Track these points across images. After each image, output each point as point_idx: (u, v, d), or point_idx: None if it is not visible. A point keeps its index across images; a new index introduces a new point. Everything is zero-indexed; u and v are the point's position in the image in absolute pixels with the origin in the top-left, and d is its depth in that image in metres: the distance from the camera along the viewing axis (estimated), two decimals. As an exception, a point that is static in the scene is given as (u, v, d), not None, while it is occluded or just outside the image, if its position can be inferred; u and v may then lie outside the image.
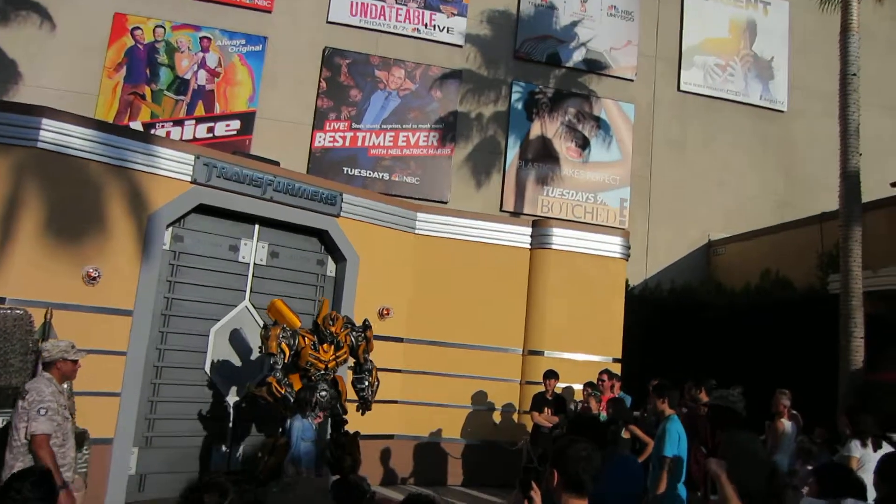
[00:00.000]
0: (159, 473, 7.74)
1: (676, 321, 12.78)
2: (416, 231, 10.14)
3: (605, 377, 8.47)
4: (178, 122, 14.68)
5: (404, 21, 15.97)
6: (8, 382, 5.57)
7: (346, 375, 8.04)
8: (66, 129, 7.17)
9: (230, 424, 8.26)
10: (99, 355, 7.02)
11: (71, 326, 6.66)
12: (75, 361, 4.50)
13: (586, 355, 10.15)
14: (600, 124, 16.42)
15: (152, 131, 14.30)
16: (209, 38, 15.10)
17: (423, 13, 16.07)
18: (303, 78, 15.24)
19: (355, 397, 7.64)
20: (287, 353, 7.08)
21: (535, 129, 16.16)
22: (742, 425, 4.55)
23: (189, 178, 7.93)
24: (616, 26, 16.95)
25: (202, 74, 15.02)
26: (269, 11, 15.43)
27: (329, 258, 9.42)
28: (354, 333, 7.51)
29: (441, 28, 16.11)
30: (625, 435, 6.97)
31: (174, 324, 8.02)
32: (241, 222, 8.60)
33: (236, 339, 8.44)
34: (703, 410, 6.89)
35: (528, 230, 10.58)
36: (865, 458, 5.37)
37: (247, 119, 14.96)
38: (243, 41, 15.24)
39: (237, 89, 15.08)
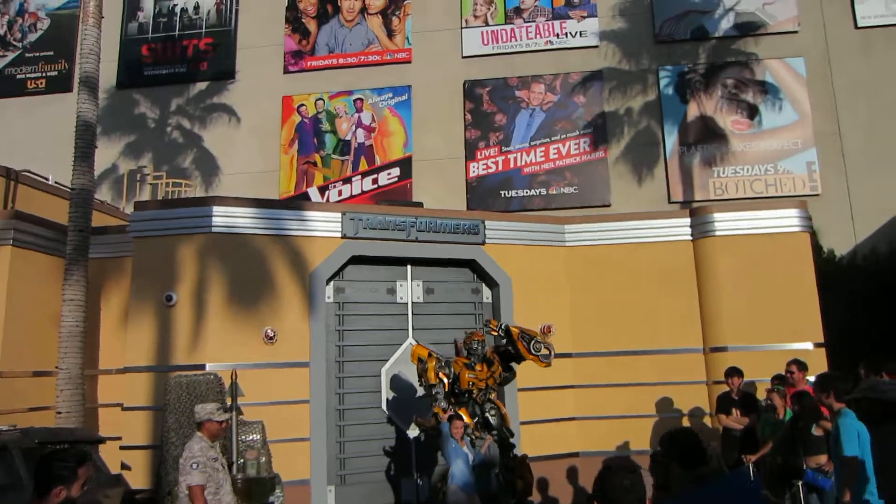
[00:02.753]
0: (357, 508, 8.40)
1: (900, 289, 10.98)
2: (567, 244, 9.97)
3: (794, 368, 7.50)
4: (347, 181, 16.05)
5: (535, 37, 15.97)
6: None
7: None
8: (232, 211, 8.28)
9: (413, 456, 8.71)
10: (284, 405, 7.91)
11: (256, 383, 7.61)
12: (221, 422, 4.94)
13: (778, 345, 9.11)
14: (767, 88, 14.88)
15: (326, 193, 15.84)
16: (361, 99, 16.40)
17: (552, 24, 15.96)
18: (448, 115, 15.88)
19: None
20: (446, 382, 7.35)
21: (693, 110, 15.10)
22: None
23: (339, 234, 8.67)
24: (766, -22, 15.37)
25: (360, 133, 16.32)
26: (409, 62, 16.39)
27: (483, 285, 9.64)
28: (498, 343, 7.60)
29: (573, 34, 15.85)
30: (816, 432, 6.14)
31: (348, 369, 8.73)
32: (393, 266, 9.17)
33: (405, 375, 8.93)
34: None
35: (687, 221, 9.88)
36: None
37: (405, 164, 15.90)
38: (390, 94, 16.32)
39: (392, 139, 16.14)
